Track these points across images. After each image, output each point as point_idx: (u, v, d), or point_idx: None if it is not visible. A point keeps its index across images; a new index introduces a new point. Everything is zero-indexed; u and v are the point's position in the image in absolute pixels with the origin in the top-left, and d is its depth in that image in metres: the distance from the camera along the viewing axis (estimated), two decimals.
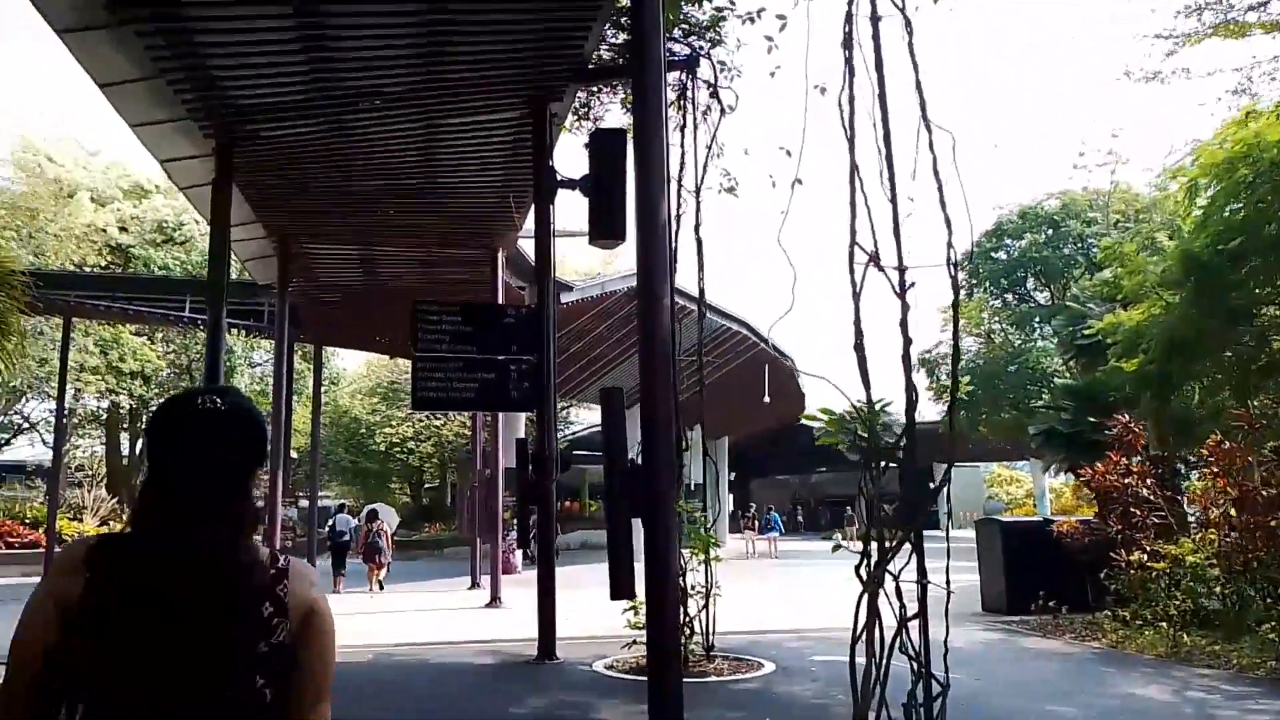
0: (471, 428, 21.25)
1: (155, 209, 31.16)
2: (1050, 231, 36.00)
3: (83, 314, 21.67)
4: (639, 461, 4.66)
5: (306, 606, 1.56)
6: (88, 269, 28.18)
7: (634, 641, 9.26)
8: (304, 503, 22.49)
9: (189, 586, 1.45)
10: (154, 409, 1.66)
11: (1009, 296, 37.75)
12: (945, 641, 4.87)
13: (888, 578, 5.02)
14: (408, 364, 37.75)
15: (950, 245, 5.04)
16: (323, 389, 24.99)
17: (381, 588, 18.02)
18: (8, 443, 35.26)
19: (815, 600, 16.06)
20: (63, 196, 29.83)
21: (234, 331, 20.50)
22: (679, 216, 9.46)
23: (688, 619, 9.13)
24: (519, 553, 20.86)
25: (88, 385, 28.86)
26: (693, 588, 9.24)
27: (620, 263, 27.35)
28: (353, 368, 41.67)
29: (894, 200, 5.14)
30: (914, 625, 4.87)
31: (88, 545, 1.52)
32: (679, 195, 9.39)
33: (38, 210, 28.97)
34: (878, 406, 5.09)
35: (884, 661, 4.86)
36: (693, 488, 35.13)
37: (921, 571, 4.93)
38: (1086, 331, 22.02)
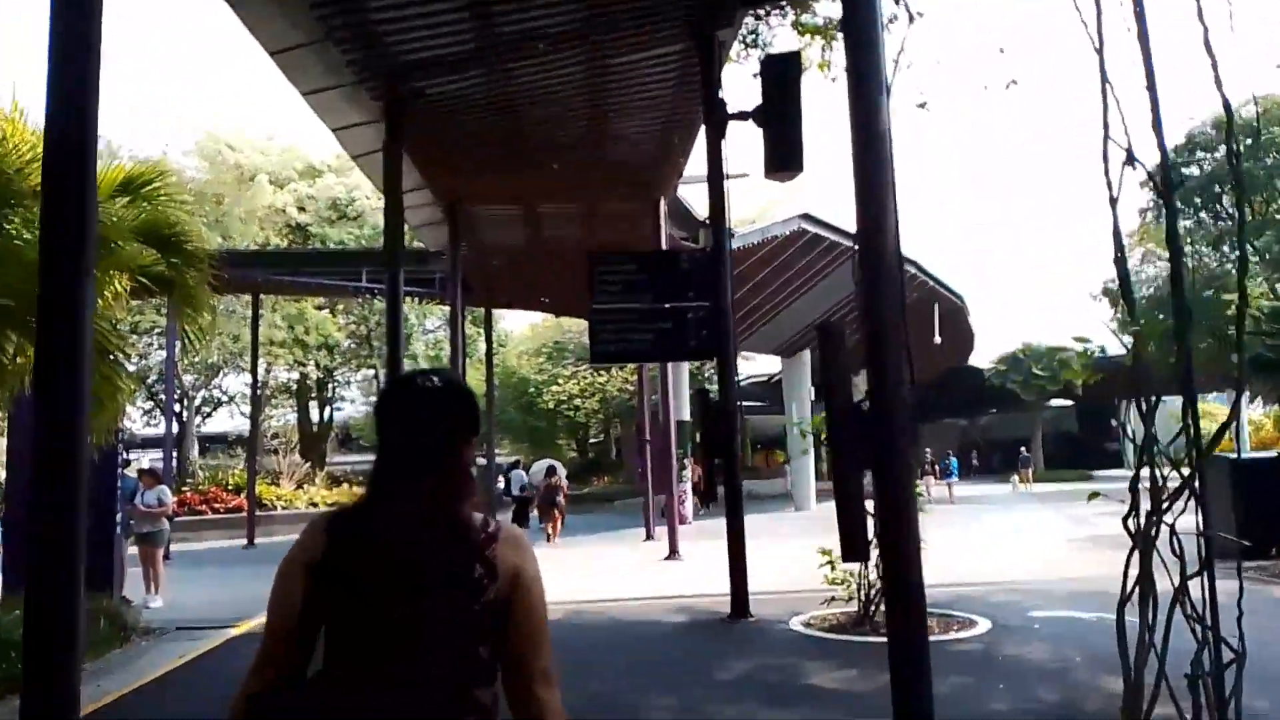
0: (637, 382, 21.11)
1: (328, 187, 32.48)
2: (1249, 141, 32.08)
3: (269, 290, 22.81)
4: (864, 404, 4.13)
5: (514, 569, 1.65)
6: (271, 248, 29.73)
7: (832, 598, 8.80)
8: (480, 460, 22.99)
9: (377, 563, 1.60)
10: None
11: (1203, 215, 34.25)
12: (1239, 601, 4.17)
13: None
14: (571, 324, 38.21)
15: (1231, 133, 4.22)
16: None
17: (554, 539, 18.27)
18: (210, 415, 38.03)
19: (1011, 549, 15.10)
20: (244, 181, 31.49)
21: (407, 299, 21.06)
22: None
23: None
24: (690, 504, 20.73)
25: (277, 358, 30.65)
26: None
27: (783, 207, 26.47)
28: (517, 330, 42.63)
29: (1151, 85, 4.36)
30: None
31: (327, 516, 1.70)
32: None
33: (222, 195, 30.73)
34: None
35: (1164, 622, 4.20)
36: None
37: (1206, 521, 4.22)
38: None
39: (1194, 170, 34.10)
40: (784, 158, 9.07)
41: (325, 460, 35.66)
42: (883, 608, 8.58)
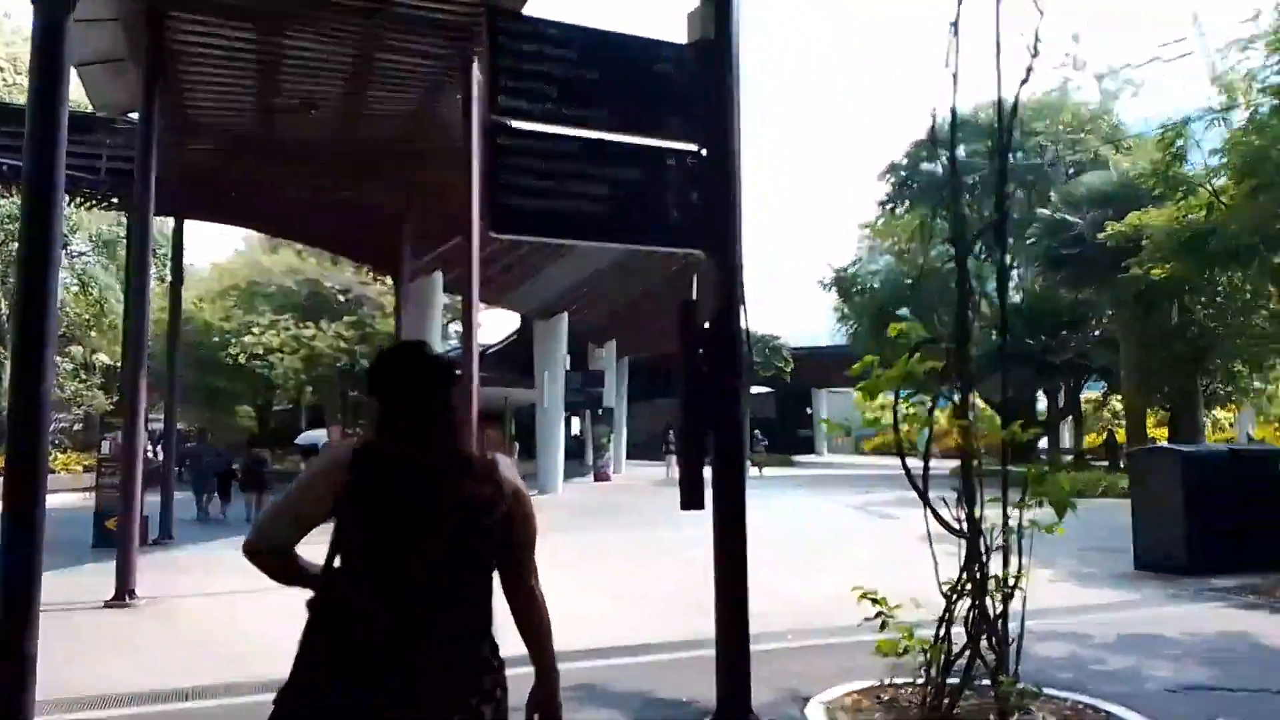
0: (395, 321, 16.15)
1: None
2: (989, 142, 32.58)
3: None
4: None
5: (513, 488, 2.14)
6: None
7: (891, 682, 5.12)
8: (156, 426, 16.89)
9: (403, 492, 2.02)
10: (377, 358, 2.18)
11: (940, 211, 34.64)
12: None
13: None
14: (272, 260, 31.28)
15: None
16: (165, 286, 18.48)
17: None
18: None
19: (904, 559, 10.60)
20: None
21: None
22: None
23: (988, 631, 5.02)
24: None
25: None
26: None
27: None
28: (196, 265, 34.48)
29: None
30: None
31: (351, 450, 2.08)
32: None
33: None
34: None
35: None
36: (600, 412, 31.07)
37: None
38: (1107, 234, 19.89)
39: (932, 166, 34.37)
40: None
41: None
42: (969, 689, 5.07)
